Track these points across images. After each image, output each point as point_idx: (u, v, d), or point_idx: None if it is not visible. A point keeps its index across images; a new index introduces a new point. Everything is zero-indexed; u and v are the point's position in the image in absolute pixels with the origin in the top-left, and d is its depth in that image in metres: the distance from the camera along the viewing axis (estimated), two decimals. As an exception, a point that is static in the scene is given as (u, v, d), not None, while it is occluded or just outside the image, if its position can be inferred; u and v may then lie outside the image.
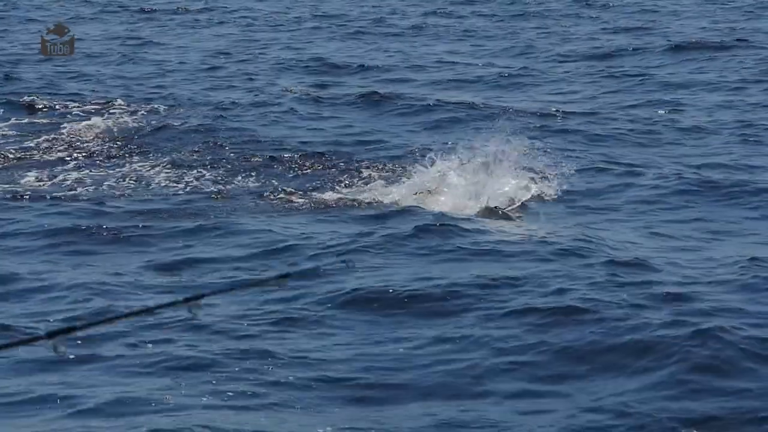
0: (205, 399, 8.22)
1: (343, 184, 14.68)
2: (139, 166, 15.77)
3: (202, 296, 5.21)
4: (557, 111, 19.04)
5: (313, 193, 14.34)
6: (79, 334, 4.81)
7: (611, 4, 31.97)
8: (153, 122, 18.26)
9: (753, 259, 11.14)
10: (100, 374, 8.75)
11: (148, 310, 5.61)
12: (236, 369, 8.68)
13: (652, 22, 28.66)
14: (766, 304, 9.89)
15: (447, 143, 16.13)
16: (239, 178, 15.10)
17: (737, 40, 25.23)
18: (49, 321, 9.68)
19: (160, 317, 9.52)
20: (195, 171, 15.40)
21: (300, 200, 14.09)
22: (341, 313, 9.86)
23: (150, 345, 9.14)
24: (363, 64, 23.39)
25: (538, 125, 18.01)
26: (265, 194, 14.38)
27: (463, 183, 14.10)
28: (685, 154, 16.27)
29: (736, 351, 8.68)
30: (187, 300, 5.18)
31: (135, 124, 18.17)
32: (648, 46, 24.87)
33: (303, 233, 12.32)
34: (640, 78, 21.90)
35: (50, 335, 4.57)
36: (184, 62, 23.91)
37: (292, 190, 14.51)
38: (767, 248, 11.95)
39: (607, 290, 10.17)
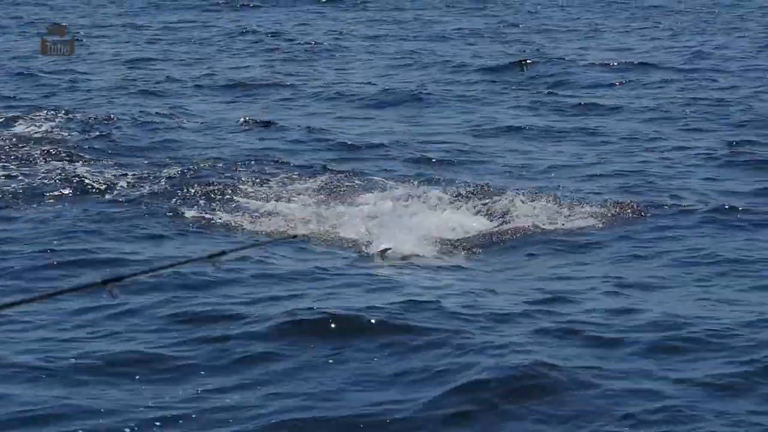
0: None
1: (229, 206, 14.66)
2: (47, 174, 15.83)
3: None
4: (461, 135, 19.26)
5: (201, 214, 14.32)
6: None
7: (520, 24, 32.46)
8: (63, 133, 18.34)
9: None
10: None
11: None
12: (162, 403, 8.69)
13: (569, 41, 29.14)
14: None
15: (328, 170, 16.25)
16: (135, 192, 15.15)
17: (647, 63, 25.72)
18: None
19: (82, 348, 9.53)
20: (103, 182, 15.48)
21: (194, 219, 14.13)
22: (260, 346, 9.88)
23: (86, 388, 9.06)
24: (274, 84, 23.53)
25: (440, 151, 18.14)
26: (166, 208, 14.43)
27: (350, 213, 14.24)
28: (582, 176, 16.50)
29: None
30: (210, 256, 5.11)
31: (47, 134, 18.23)
32: (563, 67, 25.19)
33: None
34: (546, 99, 22.16)
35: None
36: (97, 77, 23.86)
37: (193, 208, 14.53)
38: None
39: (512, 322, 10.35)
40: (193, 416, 8.46)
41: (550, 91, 23.03)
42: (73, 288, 6.45)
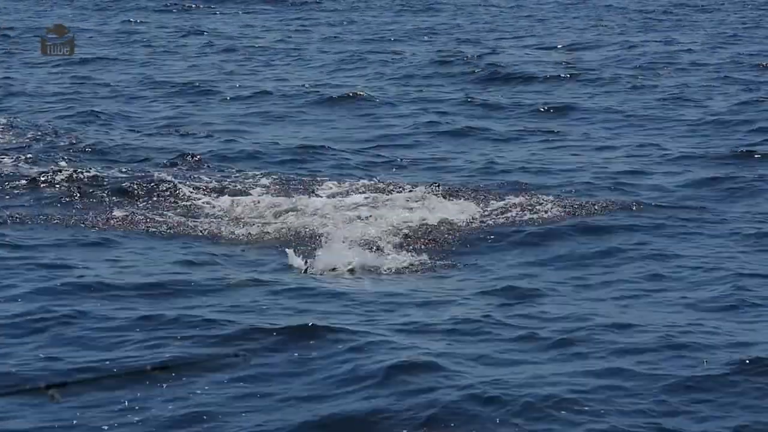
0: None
1: (178, 209, 14.48)
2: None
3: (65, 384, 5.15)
4: (414, 135, 19.09)
5: (147, 216, 14.15)
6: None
7: (473, 24, 32.36)
8: (8, 137, 18.05)
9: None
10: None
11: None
12: None
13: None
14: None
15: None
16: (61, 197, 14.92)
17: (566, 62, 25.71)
18: None
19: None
20: (47, 183, 15.26)
21: (140, 221, 13.93)
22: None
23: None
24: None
25: (395, 151, 17.92)
26: (110, 210, 14.25)
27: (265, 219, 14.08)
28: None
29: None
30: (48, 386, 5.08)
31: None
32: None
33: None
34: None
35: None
36: (39, 81, 23.54)
37: (139, 210, 14.34)
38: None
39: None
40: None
41: (502, 90, 22.91)
42: (15, 391, 6.79)
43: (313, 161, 17.15)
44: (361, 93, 22.00)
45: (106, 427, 8.41)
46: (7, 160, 16.52)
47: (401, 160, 17.28)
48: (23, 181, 15.35)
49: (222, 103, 21.63)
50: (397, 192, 15.04)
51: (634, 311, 10.82)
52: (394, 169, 16.70)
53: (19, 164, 16.32)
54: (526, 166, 16.85)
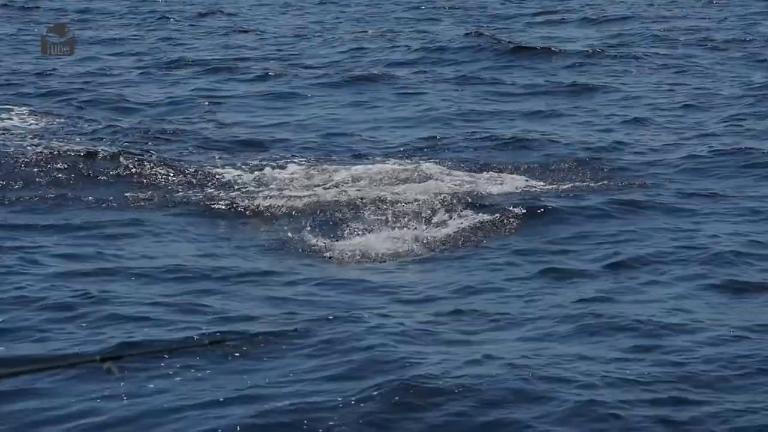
0: None
1: (202, 191, 14.42)
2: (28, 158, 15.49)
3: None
4: (438, 116, 18.91)
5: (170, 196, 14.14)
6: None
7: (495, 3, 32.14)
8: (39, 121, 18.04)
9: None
10: None
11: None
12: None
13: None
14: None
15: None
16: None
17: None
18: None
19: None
20: (65, 168, 15.18)
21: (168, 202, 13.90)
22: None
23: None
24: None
25: (422, 131, 17.77)
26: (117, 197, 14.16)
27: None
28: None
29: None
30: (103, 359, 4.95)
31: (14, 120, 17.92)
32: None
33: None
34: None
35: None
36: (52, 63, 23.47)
37: (167, 191, 14.30)
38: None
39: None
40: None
41: (532, 67, 22.70)
42: (69, 363, 6.97)
43: (343, 141, 17.03)
44: (391, 72, 21.82)
45: (150, 398, 8.37)
46: (34, 144, 16.44)
47: (432, 138, 17.13)
48: (51, 165, 15.30)
49: (248, 83, 21.48)
50: (432, 170, 14.94)
51: (667, 291, 10.73)
52: (425, 148, 16.56)
53: (47, 148, 16.20)
54: (558, 143, 16.73)
